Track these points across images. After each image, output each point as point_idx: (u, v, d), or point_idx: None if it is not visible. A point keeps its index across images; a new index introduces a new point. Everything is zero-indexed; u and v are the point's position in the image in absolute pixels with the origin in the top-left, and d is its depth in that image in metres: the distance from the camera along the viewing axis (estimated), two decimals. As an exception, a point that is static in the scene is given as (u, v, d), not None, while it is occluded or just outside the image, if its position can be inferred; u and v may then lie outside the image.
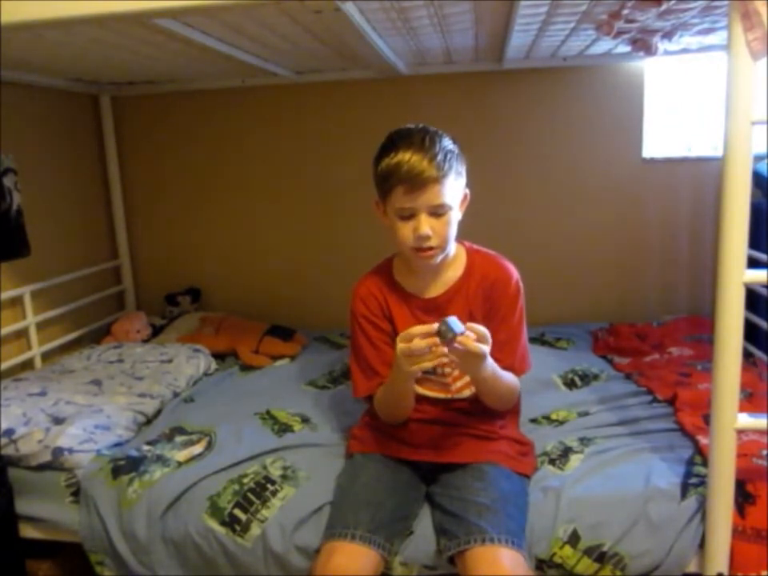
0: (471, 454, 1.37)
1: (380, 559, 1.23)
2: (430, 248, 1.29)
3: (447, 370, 1.39)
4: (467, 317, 1.37)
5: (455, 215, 1.31)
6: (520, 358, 1.40)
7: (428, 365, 1.19)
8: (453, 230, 1.31)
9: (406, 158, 1.23)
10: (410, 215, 1.27)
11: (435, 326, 1.16)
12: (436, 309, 1.39)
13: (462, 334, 1.16)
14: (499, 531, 1.19)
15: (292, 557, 1.32)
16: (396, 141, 1.28)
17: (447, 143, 1.28)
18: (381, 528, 1.24)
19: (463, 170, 1.33)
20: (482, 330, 1.20)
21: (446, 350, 1.17)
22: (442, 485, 1.36)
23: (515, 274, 1.40)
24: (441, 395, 1.41)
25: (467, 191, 1.36)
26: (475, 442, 1.40)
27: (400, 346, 1.20)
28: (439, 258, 1.34)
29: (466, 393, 1.41)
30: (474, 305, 1.38)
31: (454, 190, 1.28)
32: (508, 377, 1.36)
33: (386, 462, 1.40)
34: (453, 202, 1.28)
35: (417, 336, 1.17)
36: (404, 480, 1.38)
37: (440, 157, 1.24)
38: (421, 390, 1.41)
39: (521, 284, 1.40)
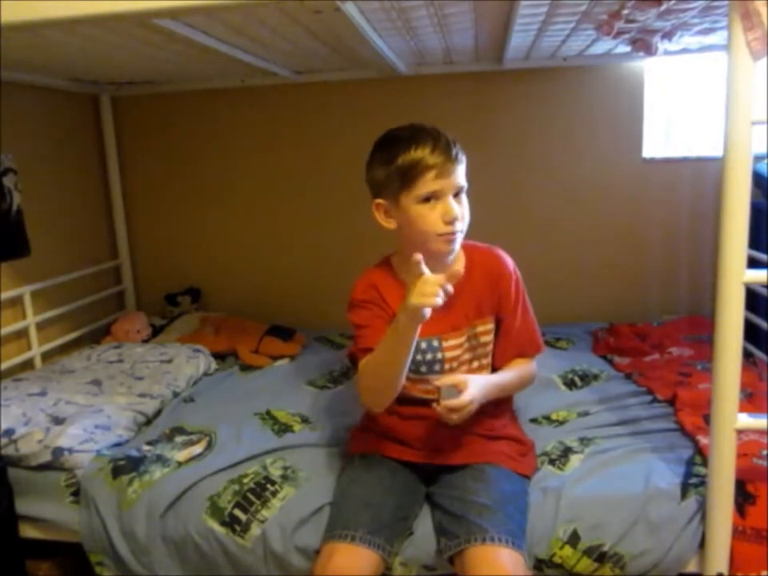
0: (471, 455, 1.37)
1: (380, 560, 1.23)
2: (456, 232, 1.30)
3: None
4: (472, 311, 1.39)
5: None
6: (532, 341, 1.44)
7: (430, 301, 1.12)
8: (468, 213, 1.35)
9: (429, 146, 1.25)
10: (434, 200, 1.28)
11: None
12: (441, 305, 1.38)
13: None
14: (500, 531, 1.19)
15: (292, 557, 1.32)
16: (407, 137, 1.28)
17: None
18: (381, 529, 1.24)
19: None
20: (461, 380, 1.25)
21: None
22: (443, 485, 1.36)
23: (509, 261, 1.44)
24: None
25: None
26: (475, 443, 1.39)
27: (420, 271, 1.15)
28: (459, 244, 1.35)
29: None
30: (483, 298, 1.40)
31: (464, 172, 1.33)
32: (511, 377, 1.38)
33: (386, 463, 1.39)
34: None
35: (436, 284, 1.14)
36: (404, 481, 1.37)
37: (451, 141, 1.29)
38: (419, 393, 1.41)
39: (517, 270, 1.44)
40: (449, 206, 1.27)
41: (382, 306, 1.39)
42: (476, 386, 1.27)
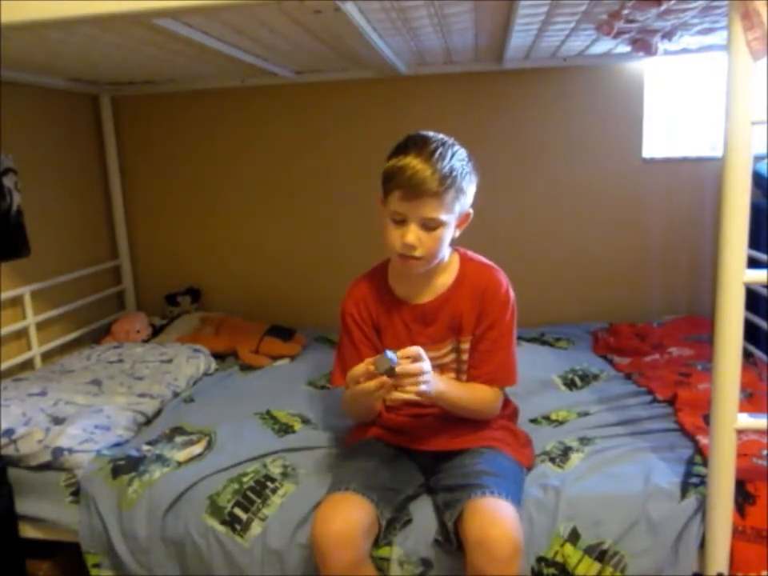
0: (470, 441, 1.38)
1: (373, 511, 1.22)
2: (414, 257, 1.29)
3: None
4: (455, 326, 1.38)
5: (448, 231, 1.30)
6: (503, 367, 1.38)
7: (380, 396, 1.23)
8: (442, 245, 1.31)
9: (412, 164, 1.23)
10: (402, 221, 1.28)
11: (372, 365, 1.19)
12: (424, 316, 1.40)
13: (395, 364, 1.17)
14: (499, 489, 1.21)
15: (293, 554, 1.32)
16: (409, 144, 1.27)
17: (458, 160, 1.27)
18: (373, 488, 1.25)
19: (470, 188, 1.31)
20: (413, 350, 1.20)
21: (385, 378, 1.18)
22: (443, 470, 1.36)
23: (505, 283, 1.39)
24: None
25: (470, 211, 1.35)
26: (473, 431, 1.39)
27: (352, 387, 1.24)
28: (423, 269, 1.34)
29: None
30: (465, 314, 1.37)
31: (452, 207, 1.27)
32: (465, 390, 1.36)
33: (384, 446, 1.40)
34: (448, 218, 1.28)
35: (360, 377, 1.20)
36: (400, 461, 1.38)
37: (445, 171, 1.23)
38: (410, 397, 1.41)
39: (511, 294, 1.39)
40: (407, 231, 1.26)
41: (367, 324, 1.43)
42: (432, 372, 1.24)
